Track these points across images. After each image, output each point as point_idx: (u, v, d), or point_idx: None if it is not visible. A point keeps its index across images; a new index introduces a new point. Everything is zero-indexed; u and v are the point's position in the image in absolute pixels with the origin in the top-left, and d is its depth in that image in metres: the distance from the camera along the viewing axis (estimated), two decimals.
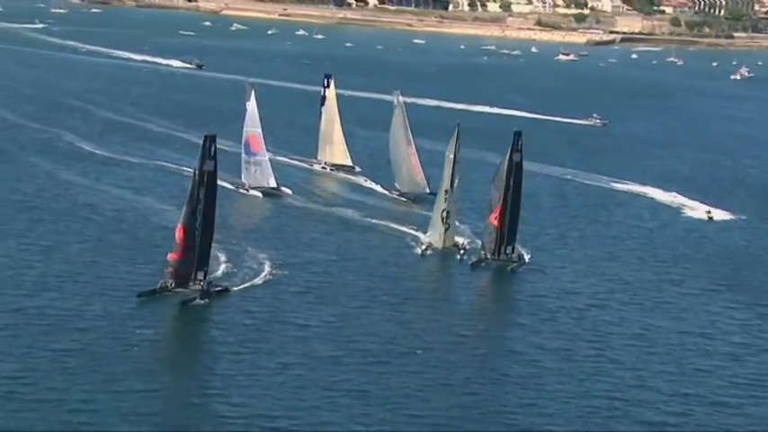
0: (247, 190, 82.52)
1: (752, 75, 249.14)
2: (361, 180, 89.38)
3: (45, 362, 46.35)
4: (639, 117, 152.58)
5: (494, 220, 66.95)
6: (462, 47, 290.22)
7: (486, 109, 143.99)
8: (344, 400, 45.11)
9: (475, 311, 60.07)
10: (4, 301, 53.47)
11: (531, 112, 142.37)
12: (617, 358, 52.16)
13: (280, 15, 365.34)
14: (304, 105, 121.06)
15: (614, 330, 56.29)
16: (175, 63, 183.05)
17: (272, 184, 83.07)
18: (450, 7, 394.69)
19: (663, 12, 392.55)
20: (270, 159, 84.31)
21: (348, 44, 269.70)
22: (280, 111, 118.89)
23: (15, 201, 75.13)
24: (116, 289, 56.30)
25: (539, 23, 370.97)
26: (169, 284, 55.93)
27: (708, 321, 59.14)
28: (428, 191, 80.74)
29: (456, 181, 68.81)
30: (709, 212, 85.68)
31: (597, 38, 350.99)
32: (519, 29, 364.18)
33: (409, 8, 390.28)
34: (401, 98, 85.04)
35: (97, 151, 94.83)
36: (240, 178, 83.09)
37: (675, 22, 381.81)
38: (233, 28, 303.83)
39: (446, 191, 68.80)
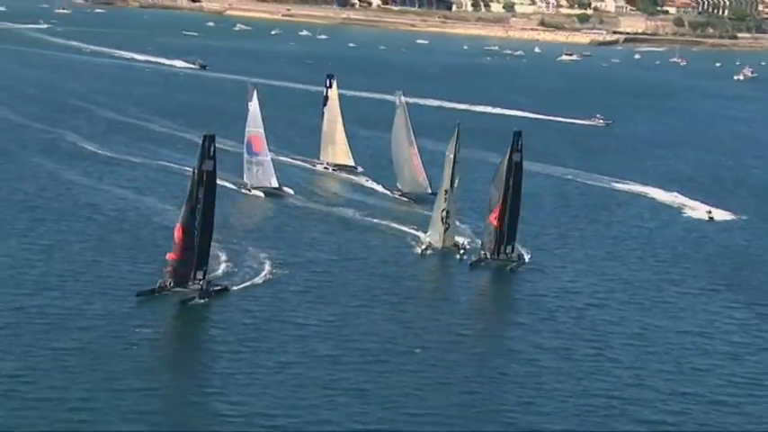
0: (249, 190, 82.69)
1: (755, 75, 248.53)
2: (363, 180, 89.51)
3: (45, 360, 46.56)
4: (642, 117, 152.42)
5: (493, 219, 67.08)
6: (465, 47, 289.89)
7: (489, 109, 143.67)
8: (343, 398, 45.25)
9: (474, 311, 60.18)
10: (6, 300, 53.73)
11: (534, 113, 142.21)
12: (616, 357, 52.27)
13: (283, 16, 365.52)
14: (306, 105, 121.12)
15: (613, 330, 56.39)
16: (179, 63, 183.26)
17: (274, 184, 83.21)
18: (454, 8, 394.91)
19: (666, 12, 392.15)
20: (272, 159, 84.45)
21: (351, 44, 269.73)
22: (282, 111, 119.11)
23: (17, 200, 75.37)
24: (116, 288, 56.51)
25: (542, 24, 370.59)
26: (168, 284, 56.08)
27: (707, 321, 59.23)
28: (430, 191, 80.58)
29: (456, 181, 68.91)
30: (710, 212, 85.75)
31: (600, 38, 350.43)
32: (522, 29, 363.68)
33: (412, 8, 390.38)
34: (403, 98, 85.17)
35: (100, 151, 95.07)
36: (242, 178, 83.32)
37: (679, 22, 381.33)
38: (236, 28, 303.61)
39: (446, 191, 68.91)
